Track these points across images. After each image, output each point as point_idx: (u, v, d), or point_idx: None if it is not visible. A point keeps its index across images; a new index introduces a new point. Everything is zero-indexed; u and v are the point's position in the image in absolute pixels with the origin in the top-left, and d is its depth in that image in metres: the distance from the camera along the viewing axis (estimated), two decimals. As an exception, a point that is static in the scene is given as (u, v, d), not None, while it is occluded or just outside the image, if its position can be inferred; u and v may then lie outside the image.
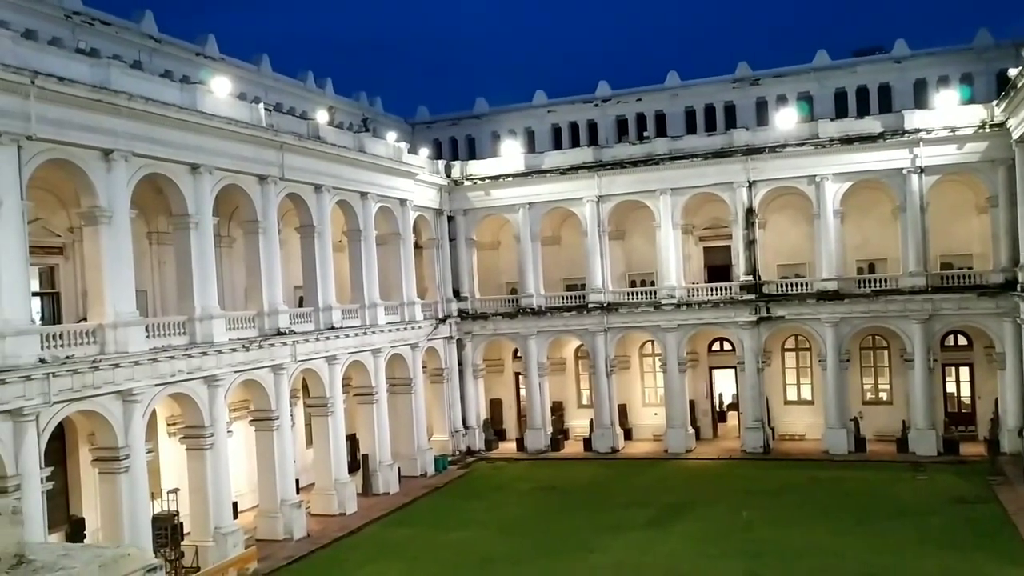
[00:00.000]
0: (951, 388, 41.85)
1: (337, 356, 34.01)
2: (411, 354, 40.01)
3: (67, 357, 22.15)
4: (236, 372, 28.62)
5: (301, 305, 34.62)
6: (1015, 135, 34.19)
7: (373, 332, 36.51)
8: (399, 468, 37.83)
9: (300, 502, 31.24)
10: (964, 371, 41.65)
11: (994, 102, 37.07)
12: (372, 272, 37.14)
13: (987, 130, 37.18)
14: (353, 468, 36.03)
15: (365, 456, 36.74)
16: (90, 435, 25.30)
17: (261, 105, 31.65)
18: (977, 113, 37.94)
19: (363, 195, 36.71)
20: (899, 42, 45.86)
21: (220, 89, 30.01)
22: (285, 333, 30.90)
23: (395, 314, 38.93)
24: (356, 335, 35.33)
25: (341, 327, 34.36)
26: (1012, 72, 33.46)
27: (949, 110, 38.92)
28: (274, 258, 31.20)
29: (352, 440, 37.08)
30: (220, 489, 27.50)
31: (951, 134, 37.93)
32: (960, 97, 41.31)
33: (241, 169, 29.58)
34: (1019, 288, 33.56)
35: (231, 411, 30.44)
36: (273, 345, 30.29)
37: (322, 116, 37.39)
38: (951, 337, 40.99)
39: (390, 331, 37.93)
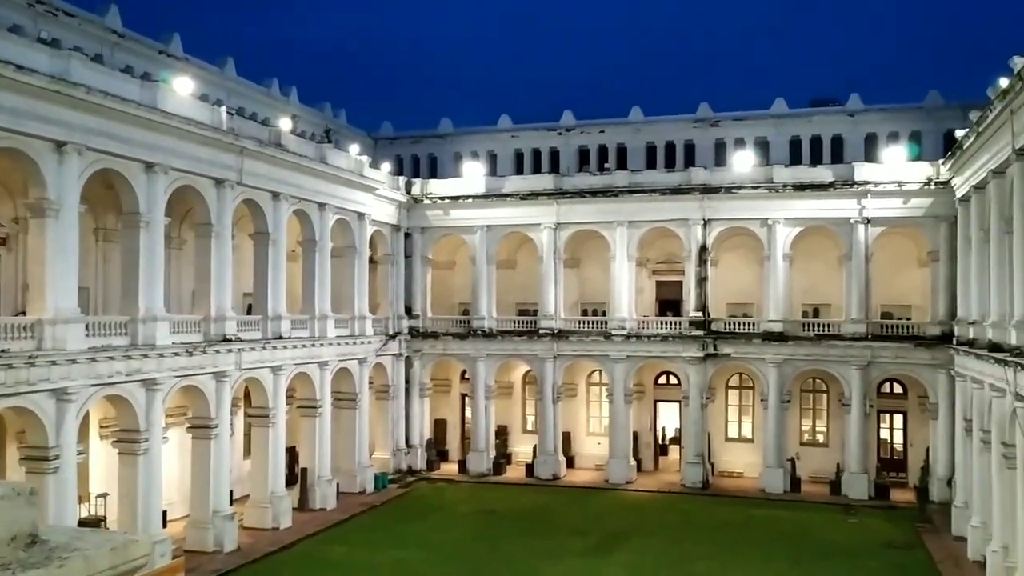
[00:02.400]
0: (885, 434, 42.81)
1: (283, 366, 33.59)
2: (359, 369, 39.70)
3: (2, 351, 21.54)
4: (177, 377, 28.09)
5: (250, 312, 34.18)
6: (959, 194, 35.39)
7: (322, 344, 36.17)
8: (338, 484, 37.37)
9: (233, 514, 30.65)
10: (898, 418, 42.66)
11: (940, 161, 38.36)
12: (325, 284, 36.86)
13: (932, 187, 38.43)
14: (290, 482, 35.49)
15: (304, 470, 36.24)
16: (19, 433, 24.57)
17: (223, 108, 31.38)
18: (924, 170, 39.21)
19: (321, 206, 36.50)
20: (853, 96, 47.36)
21: (182, 89, 29.70)
22: (231, 340, 30.44)
23: (345, 328, 38.63)
24: (304, 346, 34.97)
25: (289, 337, 33.97)
26: (959, 133, 34.67)
27: (897, 165, 40.18)
28: (225, 263, 30.78)
29: (291, 453, 36.56)
30: (151, 496, 26.87)
31: (898, 188, 39.14)
32: (908, 153, 42.71)
33: (198, 171, 29.21)
34: (954, 341, 34.57)
35: (168, 416, 29.82)
36: (218, 352, 29.81)
37: (285, 124, 37.20)
38: (887, 384, 42.00)
39: (339, 344, 37.62)
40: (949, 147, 37.79)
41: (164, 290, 28.22)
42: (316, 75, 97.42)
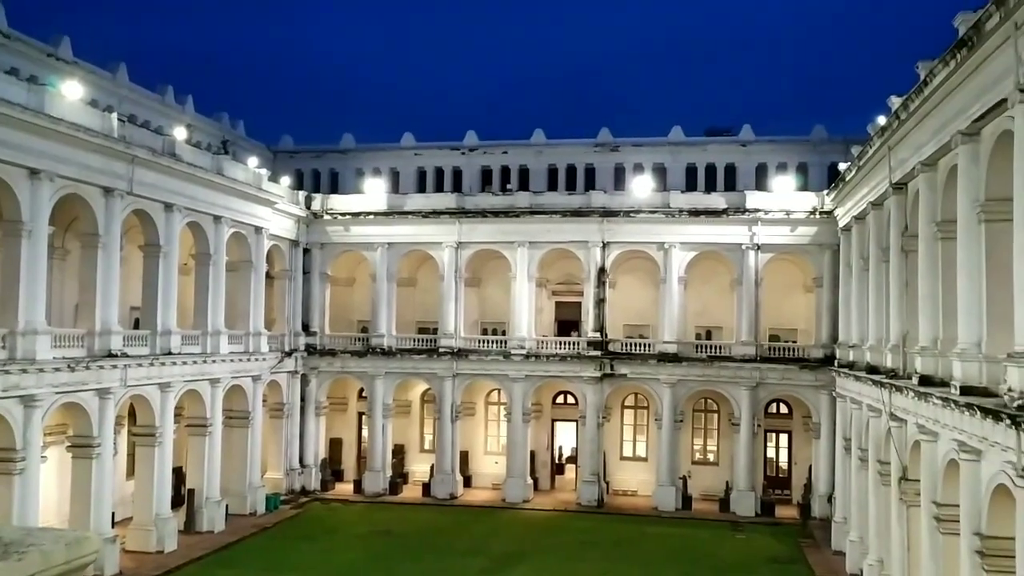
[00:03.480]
0: (771, 453, 44.48)
1: (172, 383, 32.39)
2: (252, 386, 38.66)
3: None
4: (58, 393, 26.71)
5: (137, 327, 32.85)
6: (841, 223, 37.33)
7: (213, 361, 35.08)
8: (227, 505, 36.18)
9: (115, 537, 29.27)
10: (784, 438, 44.43)
11: (825, 191, 40.39)
12: (218, 299, 35.83)
13: (817, 216, 40.41)
14: (177, 503, 34.17)
15: (191, 491, 34.95)
16: None
17: (114, 115, 30.19)
18: (809, 200, 41.19)
19: (217, 219, 35.52)
20: (746, 127, 49.36)
21: (71, 93, 28.48)
22: (116, 355, 29.18)
23: (239, 344, 37.60)
24: (195, 363, 33.83)
25: (179, 353, 32.82)
26: (842, 166, 36.65)
27: (786, 194, 42.09)
28: (112, 275, 29.54)
29: (178, 473, 35.22)
30: (27, 518, 25.37)
31: (786, 217, 40.97)
32: (795, 184, 44.75)
33: (86, 179, 28.00)
34: (836, 364, 36.31)
35: (47, 435, 28.29)
36: (102, 367, 28.52)
37: (180, 133, 36.09)
38: (775, 405, 43.69)
39: (232, 361, 36.56)
40: (833, 179, 39.84)
41: (46, 302, 26.86)
42: (214, 85, 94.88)
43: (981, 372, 18.68)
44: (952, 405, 19.01)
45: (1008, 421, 15.54)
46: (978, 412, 17.24)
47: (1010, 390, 16.04)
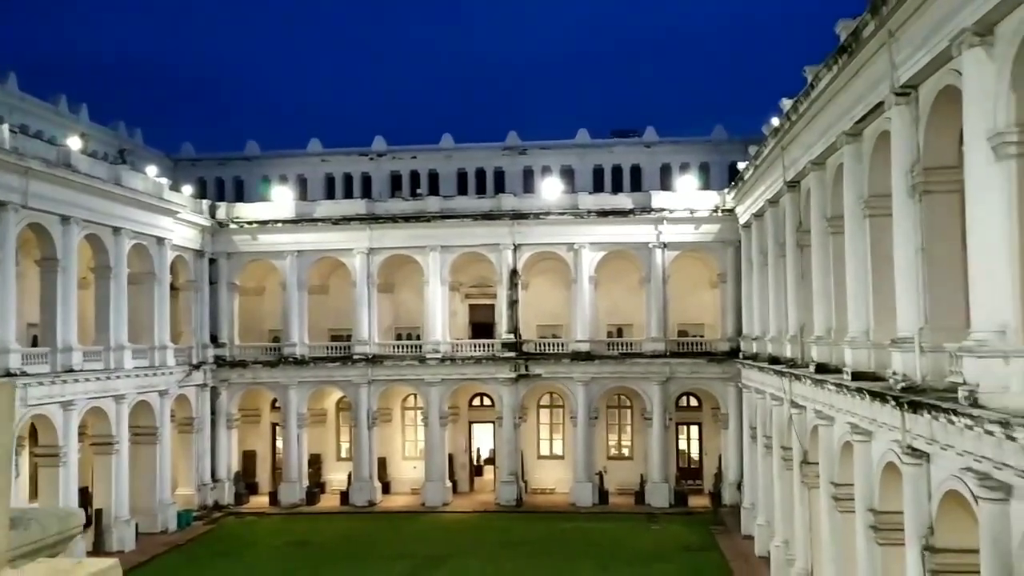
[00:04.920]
0: (683, 445, 45.80)
1: (75, 401, 31.31)
2: (159, 401, 37.67)
3: None
4: (-50, 417, 25.48)
5: (36, 345, 31.63)
6: (742, 221, 38.78)
7: (118, 377, 34.06)
8: (137, 524, 35.15)
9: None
10: (694, 430, 45.81)
11: (726, 190, 41.86)
12: (121, 313, 34.80)
13: (719, 214, 41.85)
14: (84, 524, 32.98)
15: (99, 511, 33.82)
16: None
17: (4, 126, 29.05)
18: (712, 199, 42.62)
19: (116, 230, 34.51)
20: (649, 128, 50.70)
21: (-44, 103, 27.25)
22: (14, 374, 28.06)
23: (144, 358, 36.58)
24: (98, 379, 32.79)
25: (81, 370, 31.76)
26: (741, 165, 38.08)
27: (689, 194, 43.44)
28: (7, 292, 28.42)
29: (84, 493, 34.03)
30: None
31: (690, 215, 42.28)
32: (698, 183, 46.20)
33: (-25, 192, 26.85)
34: (741, 356, 37.71)
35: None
36: (-2, 387, 27.32)
37: (75, 143, 34.85)
38: (685, 398, 45.00)
39: (137, 376, 35.57)
40: (733, 178, 41.34)
41: (-66, 322, 25.65)
42: (109, 92, 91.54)
43: (870, 358, 19.83)
44: (845, 390, 20.11)
45: (893, 403, 16.58)
46: (867, 396, 18.30)
47: (895, 374, 17.10)
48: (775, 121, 29.30)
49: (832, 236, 23.48)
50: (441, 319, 43.29)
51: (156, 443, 37.26)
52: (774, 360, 29.87)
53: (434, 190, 48.99)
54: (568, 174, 49.65)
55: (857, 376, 19.69)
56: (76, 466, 31.83)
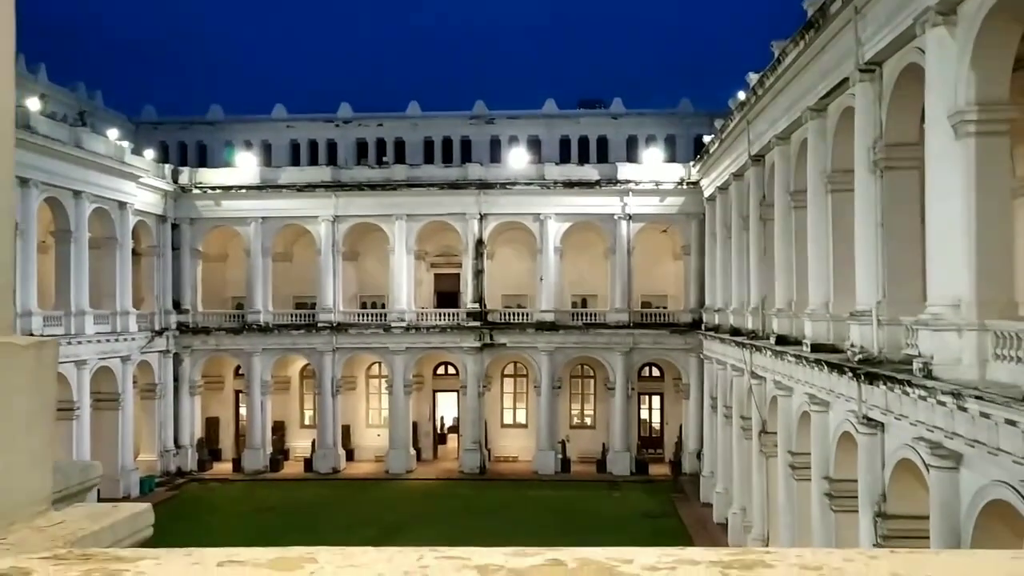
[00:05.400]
0: (645, 415, 46.51)
1: (33, 367, 30.87)
2: (121, 367, 37.32)
3: None
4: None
5: (-7, 309, 31.10)
6: (706, 194, 39.18)
7: (79, 342, 33.66)
8: (99, 491, 34.78)
9: (-23, 529, 27.86)
10: (656, 400, 46.51)
11: (691, 163, 42.19)
12: (82, 278, 34.32)
13: (684, 187, 42.19)
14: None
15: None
16: None
17: (-41, 83, 28.28)
18: (677, 171, 42.92)
19: (76, 194, 33.93)
20: (616, 100, 50.69)
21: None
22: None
23: (105, 324, 36.17)
24: (58, 344, 32.29)
25: (41, 335, 31.26)
26: (707, 139, 38.39)
27: (655, 166, 43.70)
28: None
29: (45, 460, 33.70)
30: None
31: (655, 187, 42.57)
32: (664, 155, 46.42)
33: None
34: (703, 328, 38.29)
35: None
36: (-45, 352, 26.91)
37: (33, 104, 34.12)
38: (647, 368, 45.62)
39: (98, 342, 35.19)
40: (699, 151, 41.67)
41: None
42: (68, 53, 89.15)
43: (829, 331, 20.32)
44: (804, 362, 20.60)
45: (851, 374, 17.06)
46: (825, 367, 18.79)
47: (852, 346, 17.58)
48: (741, 95, 29.57)
49: (795, 210, 23.88)
50: (406, 288, 43.28)
51: (118, 409, 36.98)
52: (735, 332, 30.40)
53: (400, 158, 48.65)
54: (535, 144, 49.60)
55: (816, 348, 20.18)
56: (36, 432, 31.49)
